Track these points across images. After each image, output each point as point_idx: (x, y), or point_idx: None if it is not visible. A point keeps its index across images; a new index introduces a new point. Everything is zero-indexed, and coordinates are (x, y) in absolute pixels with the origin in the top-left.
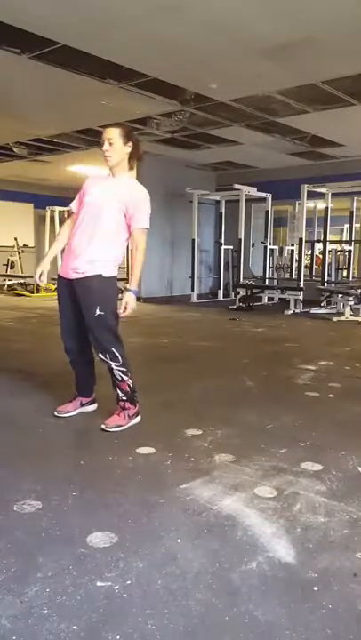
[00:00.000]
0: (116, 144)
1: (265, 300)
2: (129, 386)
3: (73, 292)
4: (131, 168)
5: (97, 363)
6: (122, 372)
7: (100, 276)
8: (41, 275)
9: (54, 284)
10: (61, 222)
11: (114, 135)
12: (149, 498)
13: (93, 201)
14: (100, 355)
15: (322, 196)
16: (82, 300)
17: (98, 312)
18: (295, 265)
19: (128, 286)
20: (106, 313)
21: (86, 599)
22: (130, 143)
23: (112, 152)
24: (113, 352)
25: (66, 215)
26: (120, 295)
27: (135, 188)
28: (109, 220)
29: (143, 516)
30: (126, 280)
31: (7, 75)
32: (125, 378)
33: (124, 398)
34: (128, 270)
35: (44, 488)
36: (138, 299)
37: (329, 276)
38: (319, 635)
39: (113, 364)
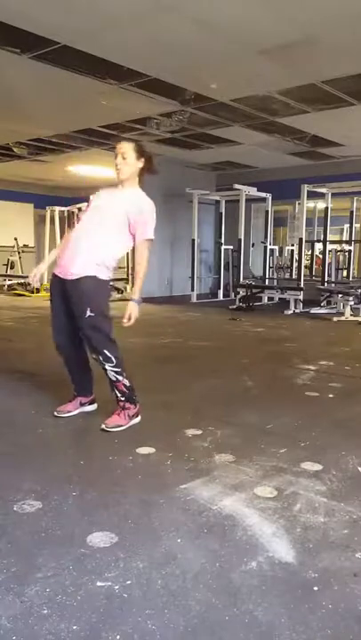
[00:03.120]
0: (129, 158)
1: (265, 300)
2: (125, 386)
3: (65, 291)
4: (140, 183)
5: (93, 362)
6: (116, 372)
7: (95, 277)
8: (35, 275)
9: None
10: (61, 222)
11: (127, 149)
12: (149, 498)
13: (98, 206)
14: (93, 355)
15: (322, 195)
16: (73, 301)
17: (88, 313)
18: (295, 265)
19: (132, 296)
20: (96, 314)
21: (86, 599)
22: (142, 159)
23: (124, 165)
24: (105, 353)
25: (66, 215)
26: (111, 296)
27: (142, 200)
28: (112, 226)
29: (143, 515)
30: (125, 280)
31: (7, 75)
32: (120, 378)
33: (123, 398)
34: (128, 273)
35: (44, 488)
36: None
37: (329, 276)
38: (319, 635)
39: (106, 365)
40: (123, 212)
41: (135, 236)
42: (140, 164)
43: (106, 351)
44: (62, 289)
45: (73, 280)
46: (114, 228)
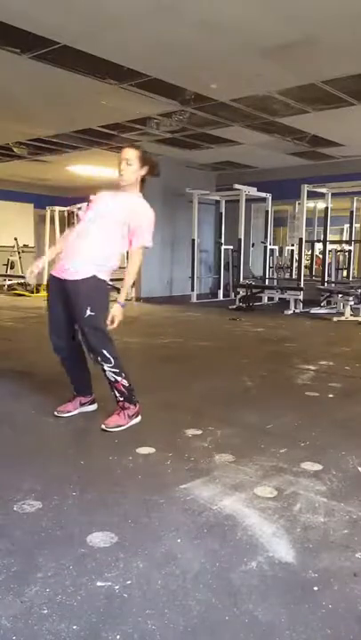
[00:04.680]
0: (133, 165)
1: (265, 300)
2: (123, 386)
3: (64, 292)
4: (141, 190)
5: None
6: (114, 372)
7: (94, 277)
8: (32, 272)
9: None
10: (61, 222)
11: (131, 156)
12: (149, 498)
13: (99, 209)
14: (91, 356)
15: (322, 195)
16: (73, 301)
17: (88, 312)
18: (295, 265)
19: (118, 299)
20: (96, 314)
21: (86, 599)
22: (145, 167)
23: (127, 172)
24: (103, 354)
25: (66, 215)
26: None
27: (142, 206)
28: (111, 230)
29: (143, 515)
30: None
31: (7, 75)
32: (119, 379)
33: (122, 398)
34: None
35: (44, 488)
36: (137, 299)
37: (329, 276)
38: (319, 635)
39: (105, 366)
40: (123, 217)
41: (132, 241)
42: (143, 171)
43: (104, 351)
44: (61, 289)
45: (73, 280)
46: (113, 232)
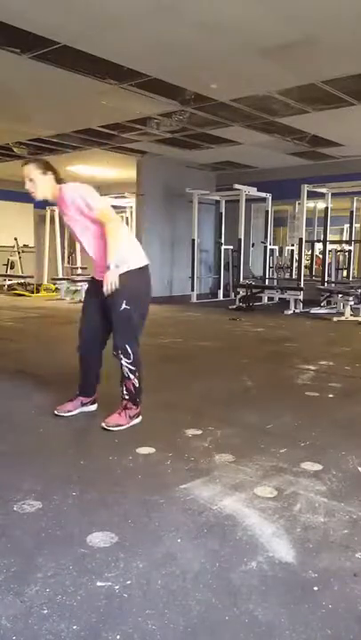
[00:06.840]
0: (36, 179)
1: (265, 300)
2: (134, 386)
3: (101, 290)
4: (60, 181)
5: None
6: (130, 369)
7: (128, 271)
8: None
9: (55, 285)
10: (61, 222)
11: (31, 171)
12: (149, 498)
13: (68, 226)
14: (114, 351)
15: (322, 195)
16: (110, 297)
17: (124, 306)
18: (295, 265)
19: (108, 263)
20: (131, 308)
21: (86, 599)
22: (49, 172)
23: (35, 188)
24: (126, 348)
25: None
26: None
27: (66, 193)
28: (87, 233)
29: (143, 515)
30: None
31: (7, 75)
32: (132, 377)
33: (127, 397)
34: None
35: (44, 488)
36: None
37: (329, 276)
38: (319, 635)
39: (123, 360)
40: (76, 214)
41: (90, 217)
42: (50, 176)
43: (127, 346)
44: (99, 287)
45: None
46: (90, 233)
